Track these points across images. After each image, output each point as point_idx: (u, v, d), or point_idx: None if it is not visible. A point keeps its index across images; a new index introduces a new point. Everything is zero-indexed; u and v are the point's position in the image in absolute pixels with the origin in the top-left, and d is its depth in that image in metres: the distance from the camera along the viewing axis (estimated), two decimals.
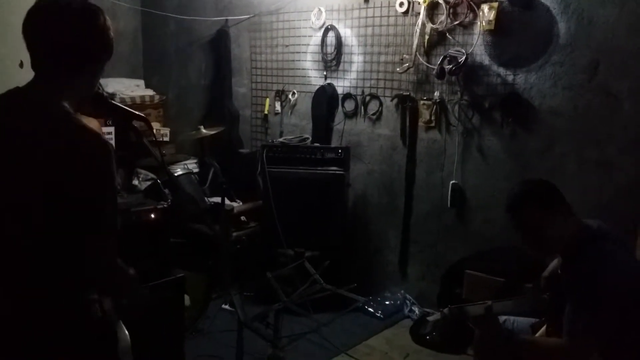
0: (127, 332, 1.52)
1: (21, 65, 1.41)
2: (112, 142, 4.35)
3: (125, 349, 1.50)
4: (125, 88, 4.97)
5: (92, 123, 3.95)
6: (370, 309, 3.70)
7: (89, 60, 1.39)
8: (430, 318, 2.27)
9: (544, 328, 2.12)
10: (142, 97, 4.99)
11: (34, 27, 1.35)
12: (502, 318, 2.20)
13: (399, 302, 3.78)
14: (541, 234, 1.93)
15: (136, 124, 1.70)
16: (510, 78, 3.30)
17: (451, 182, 3.58)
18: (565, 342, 1.83)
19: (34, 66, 1.37)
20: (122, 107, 1.70)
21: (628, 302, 1.79)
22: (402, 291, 3.86)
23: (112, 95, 4.72)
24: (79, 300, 1.36)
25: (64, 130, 1.30)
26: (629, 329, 1.79)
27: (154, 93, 5.13)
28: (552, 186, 2.01)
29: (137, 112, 1.68)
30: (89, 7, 1.39)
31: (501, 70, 3.33)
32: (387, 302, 3.77)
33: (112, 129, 4.10)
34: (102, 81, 4.90)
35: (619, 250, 1.88)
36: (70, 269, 1.34)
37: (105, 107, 1.67)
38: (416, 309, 3.68)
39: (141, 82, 5.27)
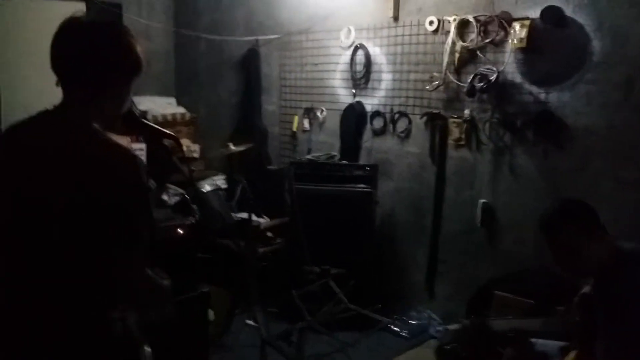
0: (150, 350, 1.52)
1: (57, 84, 1.43)
2: (144, 158, 4.42)
3: None
4: (157, 106, 5.07)
5: (122, 141, 4.05)
6: (395, 328, 3.64)
7: (116, 79, 1.40)
8: (450, 327, 2.23)
9: (574, 352, 2.05)
10: (174, 114, 5.07)
11: (59, 48, 1.36)
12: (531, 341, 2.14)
13: (425, 321, 3.71)
14: (576, 255, 1.87)
15: (166, 142, 1.71)
16: (542, 96, 3.24)
17: (481, 201, 3.52)
18: None
19: (62, 86, 1.38)
20: (152, 126, 1.72)
21: None
22: (429, 311, 3.80)
23: (145, 113, 4.82)
24: (101, 318, 1.36)
25: (94, 148, 1.31)
26: None
27: (185, 111, 5.21)
28: (589, 207, 1.96)
29: (167, 131, 1.70)
30: (114, 26, 1.42)
31: (533, 89, 3.27)
32: (413, 322, 3.71)
33: (143, 145, 4.18)
34: (135, 99, 5.01)
35: None
36: (96, 285, 1.34)
37: (136, 125, 1.70)
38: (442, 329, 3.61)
39: (173, 100, 5.37)
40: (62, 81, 1.37)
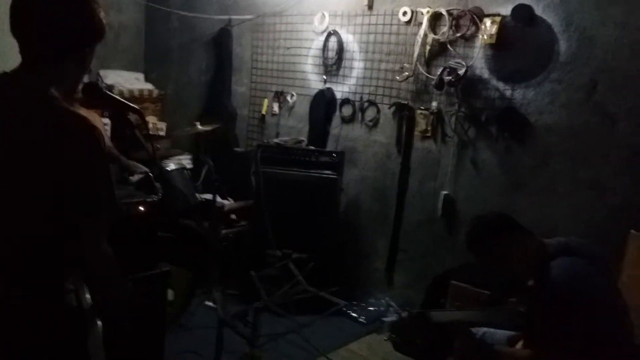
0: (99, 324, 1.50)
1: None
2: (108, 133, 4.34)
3: (95, 341, 1.47)
4: (124, 80, 4.98)
5: (91, 115, 3.95)
6: (353, 314, 3.69)
7: (76, 45, 1.37)
8: (386, 319, 2.28)
9: (521, 342, 2.12)
10: (141, 90, 4.99)
11: (20, 11, 1.33)
12: (481, 330, 2.20)
13: (382, 308, 3.77)
14: (506, 263, 1.98)
15: (131, 116, 1.68)
16: (508, 93, 3.30)
17: (443, 192, 3.58)
18: (534, 354, 1.86)
19: (21, 51, 1.35)
20: (116, 99, 1.69)
21: (589, 313, 1.80)
22: (387, 298, 3.85)
23: (111, 87, 4.72)
24: (55, 288, 1.35)
25: (50, 115, 1.28)
26: (593, 340, 1.80)
27: (153, 87, 5.13)
28: (506, 216, 2.07)
29: (131, 105, 1.67)
30: None
31: (500, 85, 3.33)
32: (370, 308, 3.77)
33: (108, 121, 4.09)
34: (102, 72, 4.91)
35: (581, 263, 1.89)
36: (50, 255, 1.32)
37: (100, 97, 1.66)
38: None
39: (141, 76, 5.27)
40: (20, 44, 1.34)
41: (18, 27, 1.33)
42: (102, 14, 1.39)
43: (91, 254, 1.34)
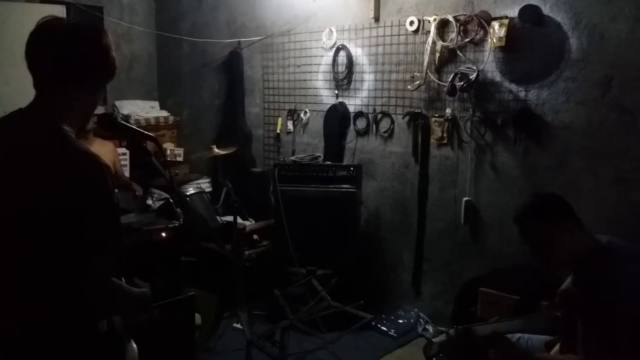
0: (135, 347, 1.52)
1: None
2: (127, 163, 4.41)
3: None
4: (140, 110, 5.05)
5: (107, 146, 4.02)
6: (383, 328, 3.66)
7: (90, 80, 1.40)
8: (435, 339, 2.24)
9: (558, 346, 2.07)
10: (157, 118, 5.06)
11: (36, 47, 1.36)
12: (516, 336, 2.16)
13: (412, 320, 3.73)
14: (548, 247, 1.92)
15: (147, 144, 1.71)
16: (522, 94, 3.28)
17: (464, 199, 3.55)
18: (577, 359, 1.80)
19: (35, 86, 1.38)
20: (131, 128, 1.71)
21: (636, 318, 1.74)
22: (416, 309, 3.81)
23: (127, 117, 4.80)
24: (83, 319, 1.35)
25: (59, 152, 1.30)
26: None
27: (169, 114, 5.21)
28: (561, 200, 2.00)
29: (146, 133, 1.69)
30: (90, 27, 1.41)
31: (513, 87, 3.31)
32: (400, 321, 3.73)
33: (126, 151, 4.16)
34: (117, 103, 5.00)
35: (630, 265, 1.84)
36: (74, 288, 1.33)
37: (115, 128, 1.69)
38: (430, 328, 3.64)
39: (156, 104, 5.35)
40: (35, 79, 1.38)
41: (33, 62, 1.36)
42: (113, 53, 1.42)
43: (99, 288, 1.34)
